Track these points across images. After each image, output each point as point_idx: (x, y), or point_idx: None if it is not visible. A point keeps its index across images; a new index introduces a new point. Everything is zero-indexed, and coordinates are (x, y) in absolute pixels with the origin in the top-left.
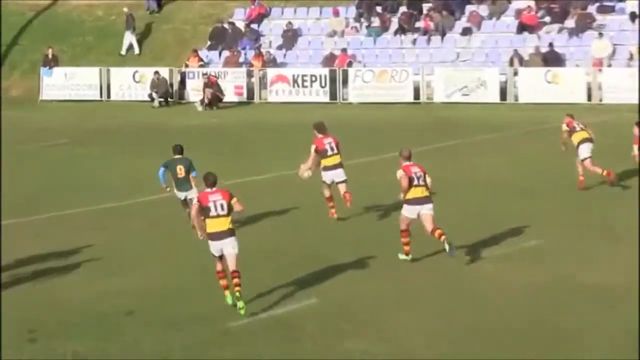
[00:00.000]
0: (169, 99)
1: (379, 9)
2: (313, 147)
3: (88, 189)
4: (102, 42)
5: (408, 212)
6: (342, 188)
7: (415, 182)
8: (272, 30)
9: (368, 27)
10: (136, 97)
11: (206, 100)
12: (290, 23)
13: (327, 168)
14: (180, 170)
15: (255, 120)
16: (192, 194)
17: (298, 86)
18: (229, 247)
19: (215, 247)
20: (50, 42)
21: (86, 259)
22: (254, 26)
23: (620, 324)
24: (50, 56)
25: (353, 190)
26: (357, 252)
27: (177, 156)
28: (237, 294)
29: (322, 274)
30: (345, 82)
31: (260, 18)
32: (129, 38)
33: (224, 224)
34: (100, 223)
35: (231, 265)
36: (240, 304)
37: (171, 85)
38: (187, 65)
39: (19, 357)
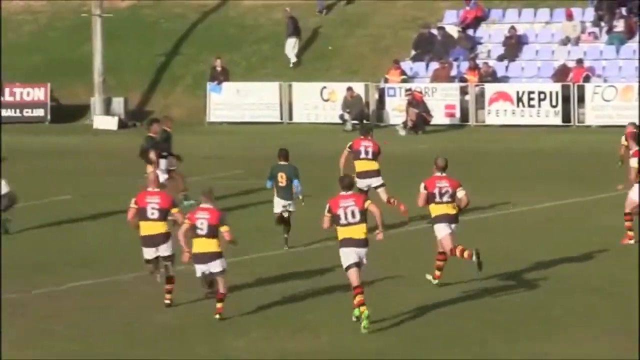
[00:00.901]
0: (364, 121)
1: (623, 10)
2: (348, 144)
3: (271, 232)
4: (282, 51)
5: (438, 231)
6: (382, 194)
7: (437, 199)
8: (491, 36)
9: (609, 32)
10: (324, 118)
11: (410, 123)
12: (513, 28)
13: (360, 175)
14: (282, 178)
15: (470, 148)
16: (292, 207)
17: (523, 105)
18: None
19: (347, 255)
20: (219, 51)
21: (267, 316)
22: (469, 32)
23: None
24: (219, 68)
25: (575, 234)
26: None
27: (282, 162)
28: (364, 311)
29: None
30: (581, 100)
31: (477, 22)
32: (291, 46)
33: (358, 231)
34: (288, 270)
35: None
36: (364, 323)
37: (367, 104)
38: (386, 80)
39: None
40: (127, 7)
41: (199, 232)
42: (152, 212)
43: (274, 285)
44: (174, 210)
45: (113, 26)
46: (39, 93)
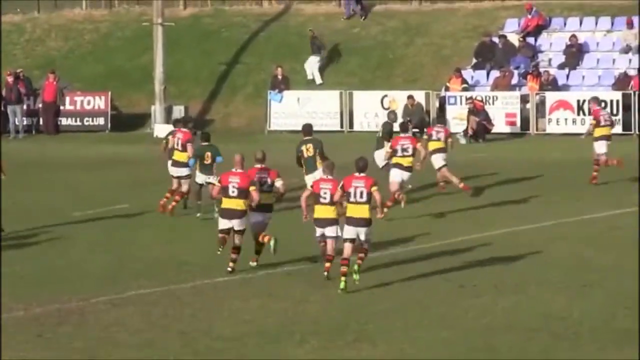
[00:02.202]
0: (425, 129)
1: None
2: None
3: None
4: (343, 59)
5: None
6: (184, 185)
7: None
8: (552, 45)
9: None
10: None
11: (470, 131)
12: (574, 36)
13: (172, 164)
14: (207, 157)
15: (529, 157)
16: (213, 179)
17: (584, 114)
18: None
19: (348, 231)
20: (280, 60)
21: (325, 325)
22: (530, 40)
23: None
24: (279, 77)
25: None
26: None
27: (205, 144)
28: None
29: None
30: None
31: (538, 30)
32: (312, 64)
33: (362, 211)
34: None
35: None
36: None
37: (428, 112)
38: (447, 88)
39: None
40: (187, 16)
41: (322, 200)
42: (233, 191)
43: (332, 293)
44: (252, 189)
45: (174, 35)
46: (99, 102)
